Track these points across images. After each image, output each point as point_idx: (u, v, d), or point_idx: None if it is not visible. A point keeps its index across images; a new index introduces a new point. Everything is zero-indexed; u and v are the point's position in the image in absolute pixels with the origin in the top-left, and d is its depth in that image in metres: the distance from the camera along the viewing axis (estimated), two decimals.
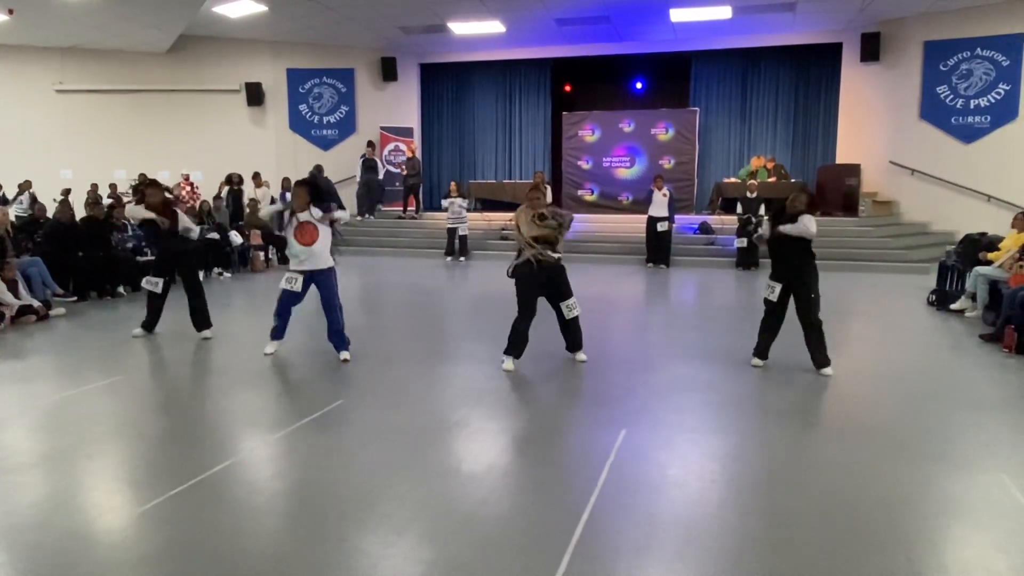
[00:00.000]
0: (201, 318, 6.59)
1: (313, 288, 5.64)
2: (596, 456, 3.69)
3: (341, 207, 5.91)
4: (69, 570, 2.63)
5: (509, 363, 5.35)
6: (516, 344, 5.37)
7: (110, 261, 9.09)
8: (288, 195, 12.73)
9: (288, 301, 5.69)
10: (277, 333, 5.84)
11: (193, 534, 2.90)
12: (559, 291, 5.41)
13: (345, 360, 5.62)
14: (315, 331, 6.25)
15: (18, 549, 2.79)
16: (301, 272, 5.57)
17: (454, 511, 3.09)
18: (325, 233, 5.57)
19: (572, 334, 5.58)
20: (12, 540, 2.86)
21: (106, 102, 16.02)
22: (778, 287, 5.32)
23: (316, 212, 5.52)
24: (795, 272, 5.26)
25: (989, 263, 7.65)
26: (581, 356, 5.63)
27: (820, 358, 5.27)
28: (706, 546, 2.81)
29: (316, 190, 5.75)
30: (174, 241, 6.52)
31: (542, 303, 5.43)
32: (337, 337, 5.69)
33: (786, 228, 5.21)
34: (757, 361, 5.51)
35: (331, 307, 5.61)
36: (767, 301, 5.45)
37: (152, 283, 6.51)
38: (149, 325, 6.65)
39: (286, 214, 5.58)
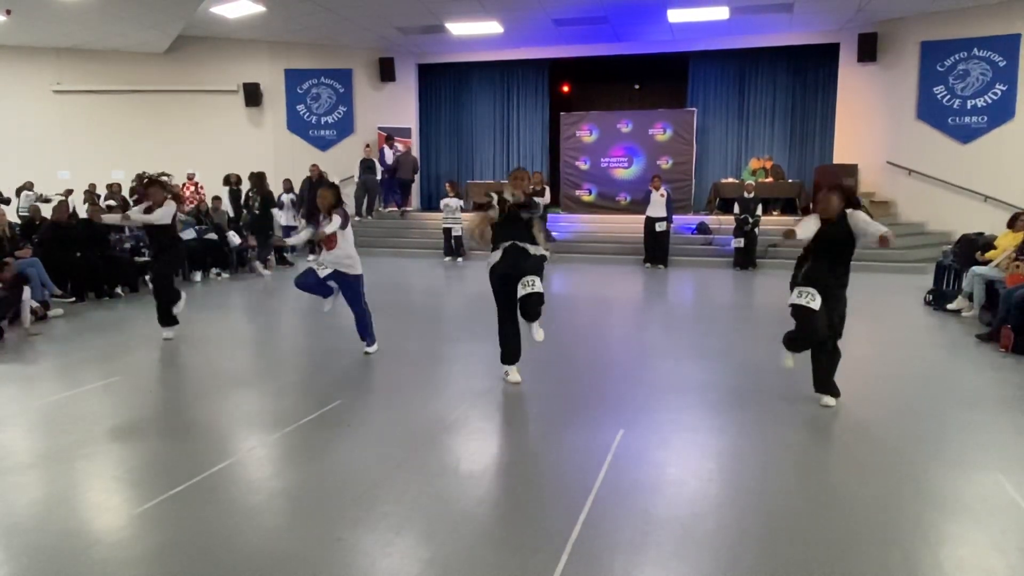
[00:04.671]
0: (163, 316, 6.47)
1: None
2: (594, 456, 3.70)
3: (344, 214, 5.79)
4: (67, 570, 2.64)
5: (513, 374, 5.05)
6: (505, 349, 5.02)
7: (108, 262, 9.09)
8: (286, 197, 12.88)
9: (308, 279, 5.68)
10: (323, 293, 5.84)
11: (191, 534, 2.90)
12: (522, 272, 4.70)
13: (366, 353, 5.87)
14: (314, 331, 6.25)
15: (16, 549, 2.79)
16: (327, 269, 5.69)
17: (452, 510, 3.10)
18: (345, 240, 5.63)
19: (526, 305, 4.72)
20: (10, 540, 2.86)
21: (104, 103, 15.99)
22: (818, 295, 4.34)
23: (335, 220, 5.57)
24: (837, 281, 4.38)
25: (986, 263, 7.67)
26: (538, 332, 4.84)
27: (829, 385, 4.55)
28: (703, 544, 2.82)
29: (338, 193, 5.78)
30: (153, 235, 6.43)
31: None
32: (362, 330, 5.90)
33: (880, 229, 4.28)
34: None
35: (354, 304, 5.81)
36: (808, 311, 4.33)
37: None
38: (165, 319, 6.49)
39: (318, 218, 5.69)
